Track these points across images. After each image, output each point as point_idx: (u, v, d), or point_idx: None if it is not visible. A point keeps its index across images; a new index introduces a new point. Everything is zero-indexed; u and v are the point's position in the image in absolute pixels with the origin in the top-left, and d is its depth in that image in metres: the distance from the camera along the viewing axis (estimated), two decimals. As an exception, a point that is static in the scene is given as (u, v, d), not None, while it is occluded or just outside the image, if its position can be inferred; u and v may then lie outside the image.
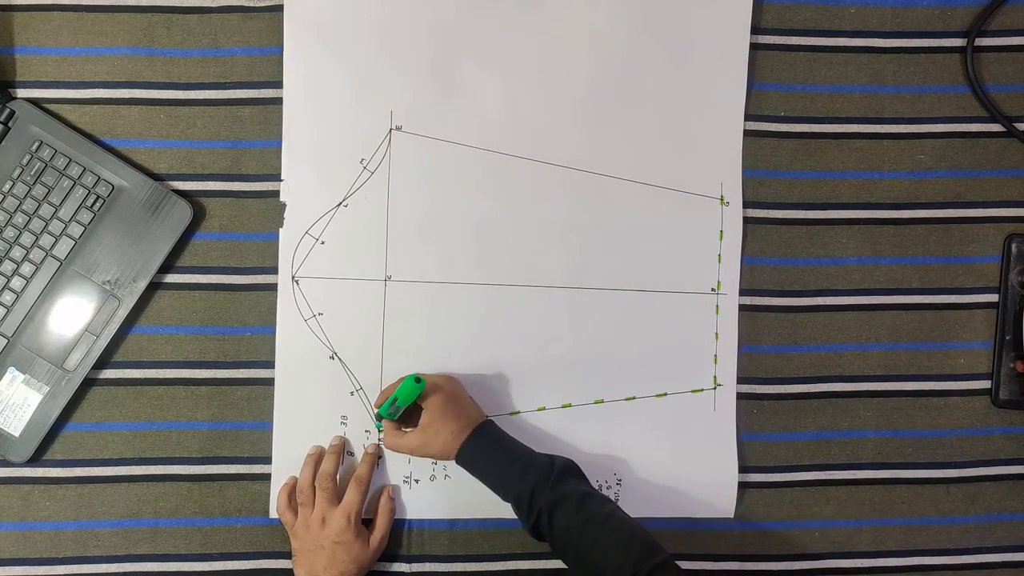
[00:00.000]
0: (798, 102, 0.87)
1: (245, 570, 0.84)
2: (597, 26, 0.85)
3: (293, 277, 0.84)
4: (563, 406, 0.85)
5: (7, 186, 0.81)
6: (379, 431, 0.84)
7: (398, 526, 0.84)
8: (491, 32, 0.85)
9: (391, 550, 0.84)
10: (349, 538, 0.78)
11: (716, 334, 0.86)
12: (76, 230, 0.81)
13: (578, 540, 0.71)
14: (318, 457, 0.82)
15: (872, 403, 0.87)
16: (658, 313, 0.86)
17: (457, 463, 0.78)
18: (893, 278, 0.88)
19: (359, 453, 0.84)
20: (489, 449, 0.77)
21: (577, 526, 0.71)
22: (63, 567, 0.83)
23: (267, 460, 0.84)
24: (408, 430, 0.80)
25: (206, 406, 0.84)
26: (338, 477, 0.82)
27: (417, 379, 0.75)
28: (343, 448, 0.83)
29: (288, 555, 0.83)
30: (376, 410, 0.82)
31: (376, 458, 0.83)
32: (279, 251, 0.84)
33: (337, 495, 0.80)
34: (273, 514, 0.83)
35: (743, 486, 0.86)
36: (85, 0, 0.83)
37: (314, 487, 0.80)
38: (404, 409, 0.78)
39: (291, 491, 0.82)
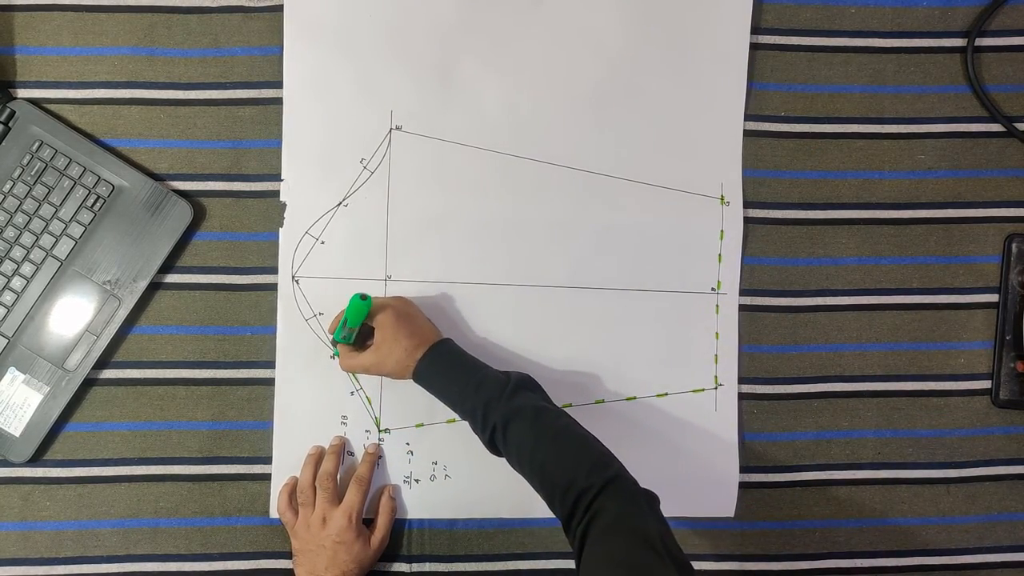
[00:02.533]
0: (798, 102, 0.87)
1: (245, 570, 0.84)
2: (597, 26, 0.85)
3: (293, 277, 0.84)
4: (563, 406, 0.85)
5: (7, 186, 0.81)
6: (335, 356, 0.83)
7: (398, 526, 0.84)
8: (491, 32, 0.85)
9: (391, 550, 0.84)
10: (350, 538, 0.78)
11: (716, 334, 0.86)
12: (76, 230, 0.81)
13: (532, 454, 0.69)
14: (318, 457, 0.82)
15: (872, 403, 0.87)
16: (658, 313, 0.86)
17: (415, 381, 0.77)
18: (893, 278, 0.88)
19: (359, 453, 0.84)
20: (445, 365, 0.76)
21: (531, 440, 0.70)
22: (63, 567, 0.83)
23: (267, 460, 0.84)
24: (363, 352, 0.79)
25: (206, 406, 0.84)
26: (338, 477, 0.82)
27: (363, 296, 0.74)
28: (343, 448, 0.83)
29: (288, 555, 0.83)
30: (331, 336, 0.81)
31: (376, 458, 0.83)
32: (279, 251, 0.84)
33: (338, 495, 0.80)
34: (273, 514, 0.83)
35: (743, 486, 0.86)
36: (85, 0, 0.84)
37: (315, 487, 0.80)
38: (357, 332, 0.78)
39: (292, 491, 0.82)
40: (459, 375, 0.75)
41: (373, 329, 0.78)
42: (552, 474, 0.68)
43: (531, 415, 0.71)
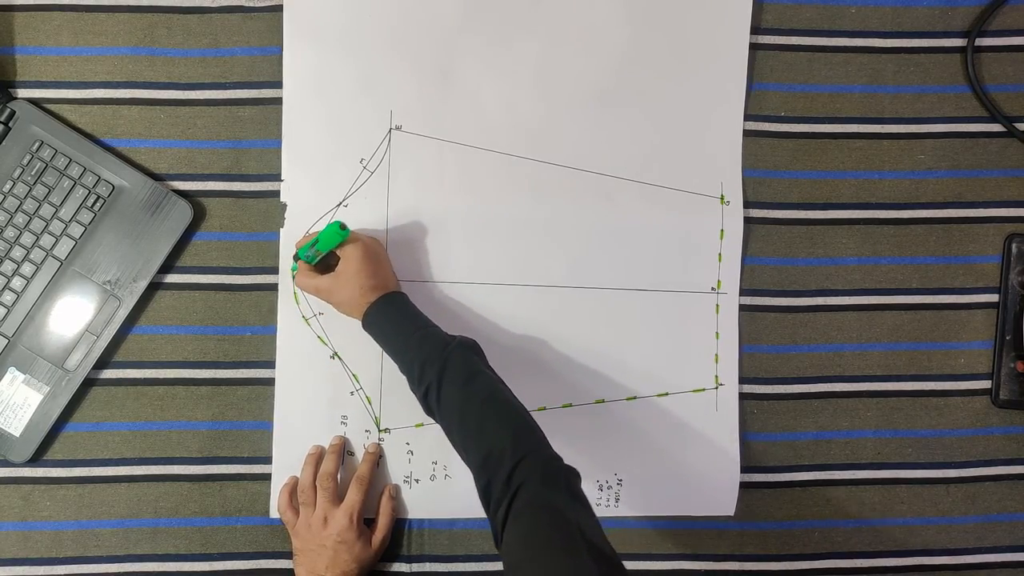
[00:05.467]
0: (798, 102, 0.87)
1: (245, 570, 0.84)
2: (597, 26, 0.85)
3: (293, 277, 0.84)
4: (564, 406, 0.85)
5: (8, 186, 0.81)
6: (292, 272, 0.82)
7: (398, 526, 0.84)
8: (491, 32, 0.85)
9: (391, 550, 0.84)
10: (351, 537, 0.78)
11: (717, 334, 0.86)
12: (76, 230, 0.81)
13: (460, 416, 0.68)
14: (319, 457, 0.82)
15: (872, 403, 0.87)
16: (659, 313, 0.86)
17: (362, 323, 0.76)
18: (893, 278, 0.88)
19: (359, 453, 0.84)
20: (395, 314, 0.76)
21: (460, 402, 0.68)
22: (63, 567, 0.83)
23: (267, 460, 0.84)
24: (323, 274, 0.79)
25: (206, 406, 0.84)
26: (339, 477, 0.82)
27: (342, 226, 0.74)
28: (343, 448, 0.83)
29: (289, 555, 0.83)
30: (295, 250, 0.81)
31: (377, 457, 0.83)
32: (279, 251, 0.84)
33: (338, 495, 0.80)
34: (274, 514, 0.83)
35: (743, 486, 0.86)
36: (85, 0, 0.84)
37: (315, 487, 0.80)
38: (323, 256, 0.78)
39: (292, 491, 0.82)
40: (406, 326, 0.75)
41: (338, 260, 0.78)
42: (475, 439, 0.66)
43: (465, 377, 0.69)
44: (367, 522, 0.82)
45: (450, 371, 0.70)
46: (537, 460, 0.63)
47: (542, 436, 0.67)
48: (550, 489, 0.61)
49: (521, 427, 0.67)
